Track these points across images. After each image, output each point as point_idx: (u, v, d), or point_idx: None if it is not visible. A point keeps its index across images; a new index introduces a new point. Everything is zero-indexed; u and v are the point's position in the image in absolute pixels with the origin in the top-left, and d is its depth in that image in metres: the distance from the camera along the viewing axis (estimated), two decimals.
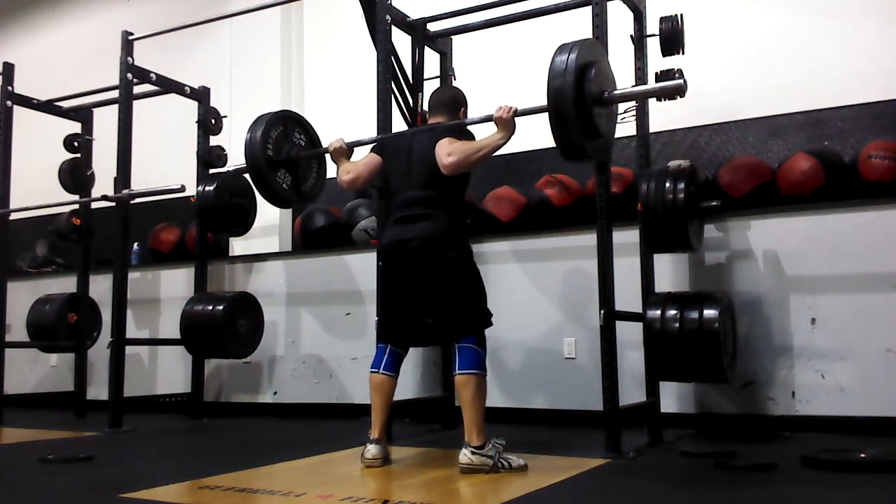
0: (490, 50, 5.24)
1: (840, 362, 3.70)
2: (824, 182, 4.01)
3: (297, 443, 3.95)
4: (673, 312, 3.40)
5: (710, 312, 3.35)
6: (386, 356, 3.16)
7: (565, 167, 4.30)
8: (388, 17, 4.05)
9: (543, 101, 2.79)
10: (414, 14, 4.33)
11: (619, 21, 3.67)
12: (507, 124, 2.94)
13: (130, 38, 4.76)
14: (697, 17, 4.31)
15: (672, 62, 3.55)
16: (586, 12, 3.47)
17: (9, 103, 5.29)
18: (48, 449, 3.56)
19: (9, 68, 5.33)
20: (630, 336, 3.63)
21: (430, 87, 3.98)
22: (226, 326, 4.80)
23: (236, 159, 5.01)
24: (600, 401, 3.20)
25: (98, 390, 5.57)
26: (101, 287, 5.62)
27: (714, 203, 3.65)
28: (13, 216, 5.27)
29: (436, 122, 3.27)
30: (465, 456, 2.85)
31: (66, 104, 5.69)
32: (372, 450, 3.04)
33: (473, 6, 4.26)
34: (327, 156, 3.54)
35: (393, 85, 4.12)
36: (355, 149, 3.46)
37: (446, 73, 4.49)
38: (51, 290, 5.78)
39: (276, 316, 5.27)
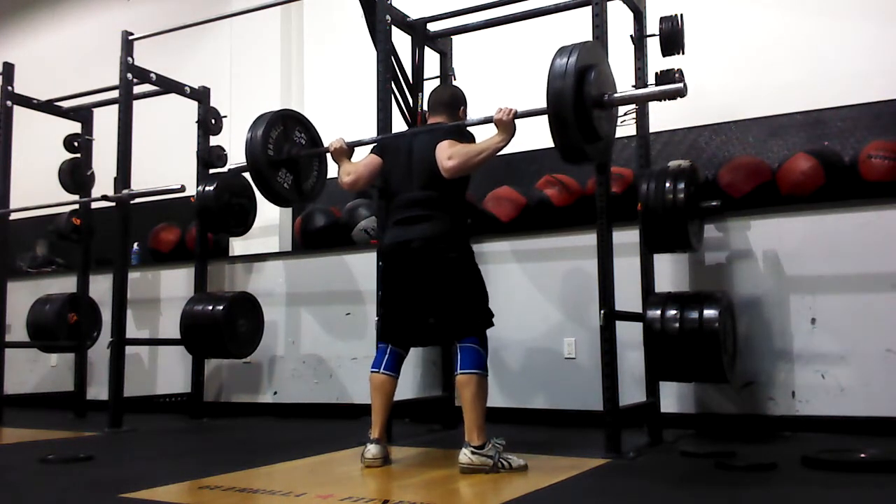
0: (490, 50, 5.24)
1: (840, 362, 3.70)
2: (824, 182, 4.01)
3: (297, 443, 3.95)
4: (673, 312, 3.40)
5: (710, 312, 3.35)
6: (386, 356, 3.16)
7: (565, 167, 4.26)
8: (388, 17, 4.05)
9: (543, 101, 2.79)
10: (414, 14, 4.33)
11: (619, 21, 3.67)
12: (507, 126, 2.93)
13: (130, 38, 4.76)
14: (697, 17, 4.32)
15: (672, 62, 3.55)
16: (586, 12, 3.47)
17: (9, 103, 5.29)
18: (48, 449, 3.56)
19: (9, 68, 5.33)
20: (630, 336, 3.63)
21: (430, 87, 3.97)
22: (226, 326, 4.80)
23: (236, 159, 5.01)
24: (600, 401, 3.20)
25: (98, 390, 5.57)
26: (101, 287, 5.62)
27: (714, 203, 3.65)
28: (13, 216, 5.27)
29: (436, 122, 3.27)
30: (465, 456, 2.85)
31: (66, 104, 5.69)
32: (372, 450, 3.04)
33: (473, 6, 4.26)
34: (328, 155, 3.54)
35: (393, 85, 4.12)
36: (356, 149, 3.46)
37: (446, 73, 4.49)
38: (51, 290, 5.78)
39: (276, 316, 5.27)
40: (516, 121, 2.94)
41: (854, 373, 3.67)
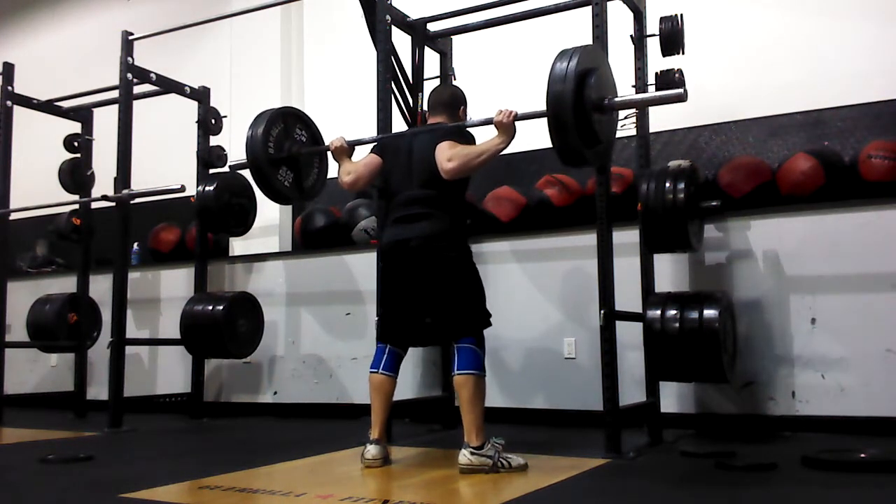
0: (490, 50, 5.24)
1: (840, 362, 3.70)
2: (824, 182, 4.01)
3: (297, 443, 3.95)
4: (673, 312, 3.40)
5: (710, 312, 3.35)
6: (385, 356, 3.16)
7: (565, 167, 4.28)
8: (388, 17, 4.05)
9: (543, 101, 2.78)
10: (414, 14, 4.33)
11: (619, 21, 3.67)
12: (507, 128, 2.93)
13: (130, 38, 4.76)
14: (697, 17, 4.32)
15: (672, 62, 3.56)
16: (586, 12, 3.47)
17: (9, 103, 5.29)
18: (48, 449, 3.56)
19: (9, 68, 5.33)
20: (630, 336, 3.63)
21: (430, 87, 3.97)
22: (226, 326, 4.80)
23: (236, 159, 5.00)
24: (600, 401, 3.20)
25: (98, 390, 5.57)
26: (101, 287, 5.62)
27: (714, 203, 3.65)
28: (13, 216, 5.27)
29: (436, 122, 3.27)
30: (464, 456, 2.85)
31: (66, 104, 5.69)
32: (372, 450, 3.04)
33: (473, 6, 4.26)
34: (329, 153, 3.54)
35: (393, 85, 4.12)
36: (356, 148, 3.46)
37: (446, 73, 4.49)
38: (51, 290, 5.78)
39: (276, 316, 5.27)
40: (516, 123, 2.94)
41: (854, 373, 3.67)
